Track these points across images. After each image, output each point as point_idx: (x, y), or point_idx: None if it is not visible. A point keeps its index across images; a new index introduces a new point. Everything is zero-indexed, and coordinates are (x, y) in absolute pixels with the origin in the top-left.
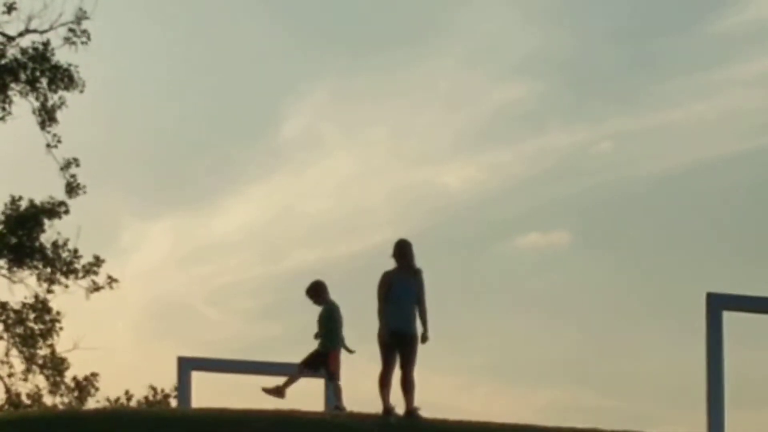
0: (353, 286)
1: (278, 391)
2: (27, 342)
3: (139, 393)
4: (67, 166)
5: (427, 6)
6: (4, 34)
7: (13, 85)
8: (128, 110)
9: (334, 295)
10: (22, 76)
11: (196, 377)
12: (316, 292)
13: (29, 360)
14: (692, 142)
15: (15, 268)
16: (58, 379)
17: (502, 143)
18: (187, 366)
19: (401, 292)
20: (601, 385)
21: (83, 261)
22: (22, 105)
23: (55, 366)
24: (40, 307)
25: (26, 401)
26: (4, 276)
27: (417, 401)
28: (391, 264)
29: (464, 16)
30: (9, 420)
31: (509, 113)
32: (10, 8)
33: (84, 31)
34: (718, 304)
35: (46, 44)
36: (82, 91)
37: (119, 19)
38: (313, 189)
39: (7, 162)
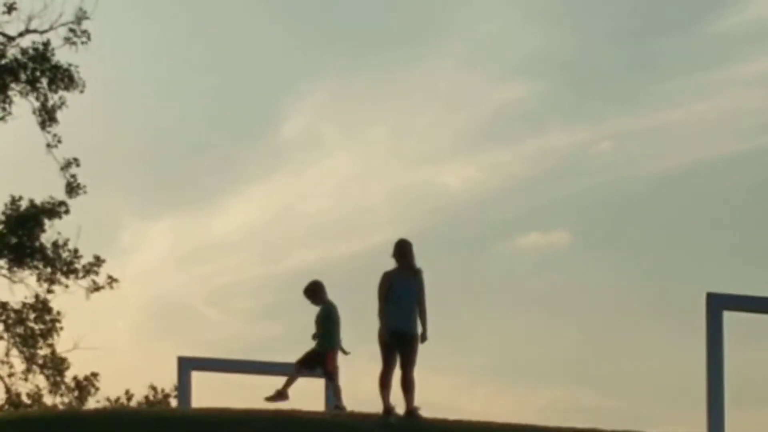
0: (353, 286)
1: (280, 395)
2: (27, 342)
3: (140, 393)
4: (67, 166)
5: (427, 6)
6: (4, 34)
7: (13, 85)
8: (128, 110)
9: (334, 295)
10: (23, 76)
11: (196, 377)
12: (314, 292)
13: (29, 360)
14: (692, 142)
15: (15, 268)
16: (58, 379)
17: (502, 143)
18: (187, 366)
19: (401, 292)
20: (601, 385)
21: (83, 261)
22: (23, 105)
23: (56, 366)
24: (41, 307)
25: (26, 401)
26: (4, 276)
27: (417, 401)
28: (391, 264)
29: (464, 16)
30: (9, 420)
31: (509, 113)
32: (10, 8)
33: (84, 31)
34: (718, 304)
35: (46, 44)
36: (82, 92)
37: (119, 19)
38: (313, 189)
39: (7, 162)
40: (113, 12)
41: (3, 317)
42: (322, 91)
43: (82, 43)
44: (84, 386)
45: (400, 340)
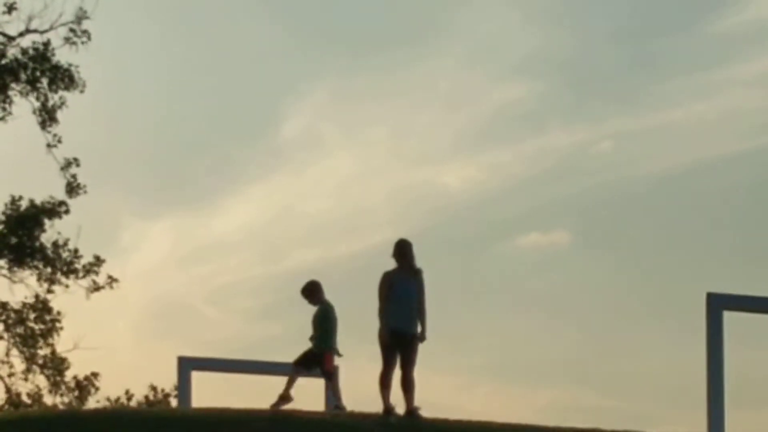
0: (353, 286)
1: (284, 399)
2: (27, 342)
3: (140, 393)
4: (67, 165)
5: (427, 6)
6: (4, 34)
7: (13, 85)
8: (128, 110)
9: (334, 295)
10: (23, 76)
11: (197, 377)
12: (312, 292)
13: (29, 360)
14: (692, 142)
15: (15, 268)
16: (58, 378)
17: (502, 143)
18: (187, 366)
19: (402, 292)
20: (602, 385)
21: (83, 261)
22: (23, 105)
23: (56, 366)
24: (41, 307)
25: (26, 401)
26: (4, 276)
27: (417, 401)
28: (391, 264)
29: (464, 16)
30: (9, 420)
31: (509, 113)
32: (10, 8)
33: (84, 31)
34: (718, 304)
35: (46, 44)
36: (82, 92)
37: (120, 19)
38: (313, 189)
39: (7, 162)
40: (113, 12)
41: (3, 317)
42: (322, 91)
43: (83, 43)
44: (84, 386)
45: (400, 340)
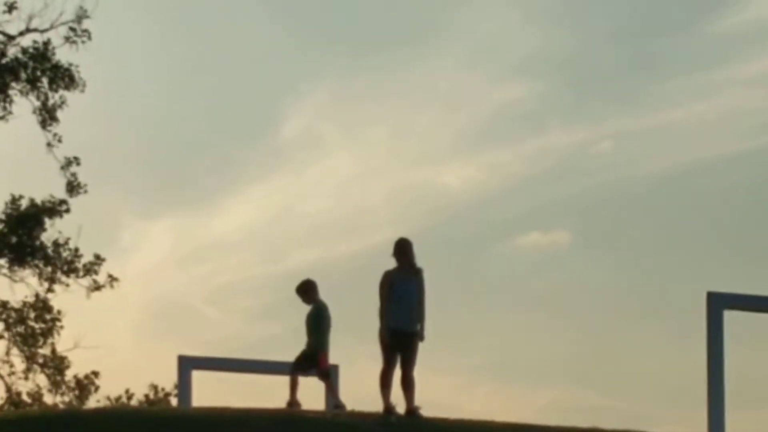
0: (353, 286)
1: (291, 405)
2: (28, 341)
3: (140, 392)
4: (67, 165)
5: (427, 6)
6: (4, 34)
7: (13, 84)
8: (129, 110)
9: (334, 294)
10: (23, 76)
11: (197, 376)
12: (306, 291)
13: (30, 359)
14: (692, 142)
15: (16, 267)
16: (58, 378)
17: (502, 143)
18: (187, 365)
19: (402, 292)
20: (602, 385)
21: (84, 260)
22: (23, 104)
23: (56, 365)
24: (41, 306)
25: (27, 400)
26: (4, 275)
27: (417, 400)
28: (391, 264)
29: (464, 16)
30: (9, 419)
31: (509, 113)
32: (10, 7)
33: (85, 31)
34: (718, 303)
35: (46, 43)
36: (82, 91)
37: (120, 19)
38: (313, 189)
39: (7, 161)
40: (114, 11)
41: (3, 316)
42: (322, 91)
43: (83, 42)
44: (84, 385)
45: (400, 340)
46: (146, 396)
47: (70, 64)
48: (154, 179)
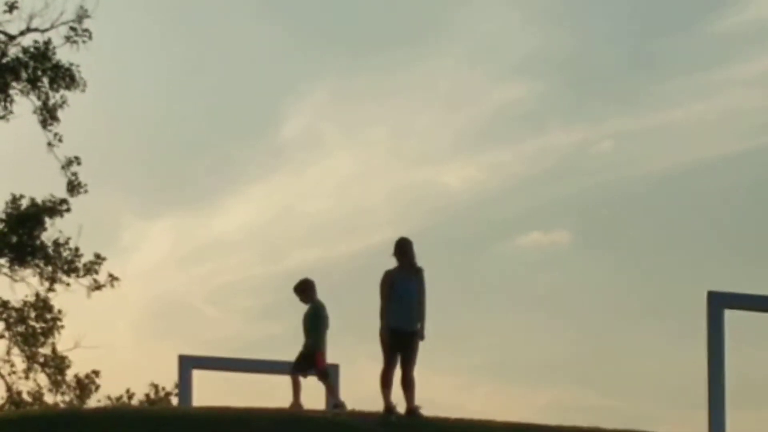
0: (353, 286)
1: (294, 407)
2: (28, 340)
3: (141, 391)
4: (68, 164)
5: (427, 6)
6: (5, 33)
7: (14, 83)
8: (129, 109)
9: (334, 294)
10: (24, 75)
11: (197, 375)
12: (304, 290)
13: (30, 358)
14: (692, 142)
15: (16, 267)
16: (59, 377)
17: (502, 143)
18: (188, 364)
19: (403, 291)
20: (602, 384)
21: (84, 259)
22: (24, 104)
23: (57, 364)
24: (42, 306)
25: (27, 400)
26: (5, 275)
27: (418, 400)
28: (391, 264)
29: (464, 16)
30: (10, 419)
31: (509, 113)
32: (11, 7)
33: (85, 30)
34: (719, 303)
35: (47, 43)
36: (83, 91)
37: (120, 19)
38: (313, 189)
39: (8, 161)
40: (114, 11)
41: (4, 316)
42: (322, 91)
43: (83, 42)
44: (85, 385)
45: (400, 339)
46: (147, 395)
47: (71, 64)
48: (154, 179)
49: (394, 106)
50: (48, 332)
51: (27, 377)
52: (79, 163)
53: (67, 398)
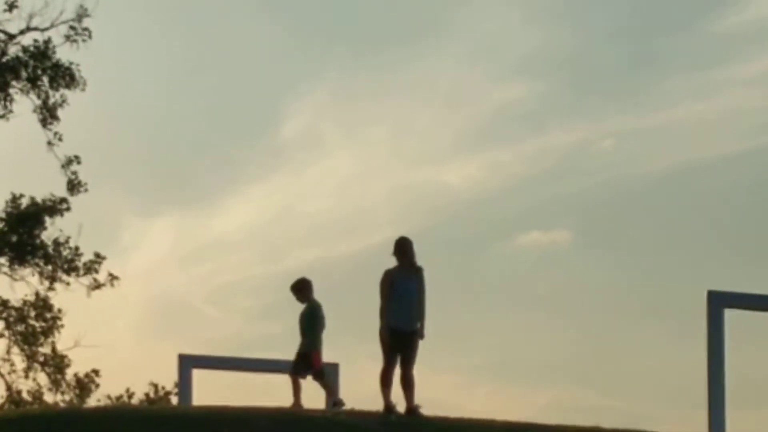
0: (353, 286)
1: (295, 407)
2: (28, 340)
3: (140, 391)
4: (68, 163)
5: (427, 5)
6: (5, 32)
7: (14, 83)
8: (129, 109)
9: (334, 294)
10: (24, 74)
11: (197, 375)
12: (301, 289)
13: (30, 358)
14: (693, 141)
15: (16, 266)
16: (59, 376)
17: (502, 142)
18: (188, 363)
19: (403, 291)
20: (602, 384)
21: (84, 259)
22: (24, 103)
23: (56, 364)
24: (41, 305)
25: (27, 399)
26: (5, 274)
27: (418, 399)
28: (391, 263)
29: (464, 15)
30: (10, 418)
31: (509, 112)
32: (11, 6)
33: (85, 29)
34: (719, 302)
35: (47, 42)
36: (83, 90)
37: (120, 18)
38: (313, 188)
39: (8, 160)
40: (114, 10)
41: (4, 315)
42: (322, 91)
43: (83, 41)
44: (85, 384)
45: (400, 339)
46: (147, 395)
47: (71, 63)
48: (154, 178)
49: (394, 105)
50: (48, 331)
51: (27, 376)
52: (79, 163)
53: (66, 397)
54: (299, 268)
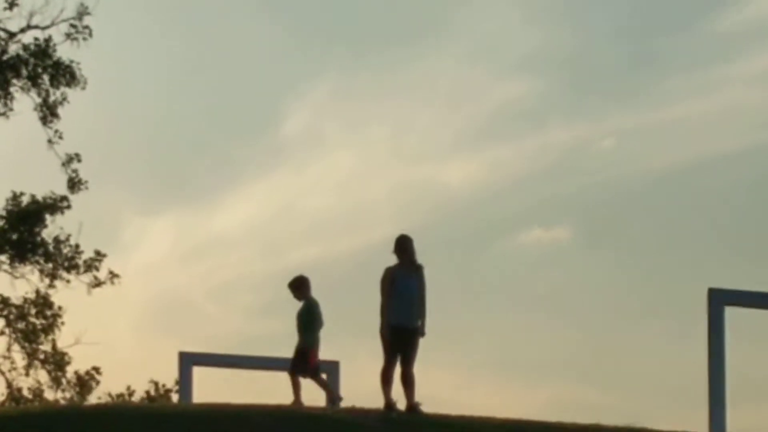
0: (353, 284)
1: (295, 405)
2: (29, 337)
3: (141, 388)
4: (68, 161)
5: (427, 5)
6: (5, 30)
7: (14, 81)
8: (130, 107)
9: (334, 291)
10: (24, 72)
11: (198, 372)
12: (298, 287)
13: (31, 355)
14: (693, 140)
15: (17, 264)
16: (59, 374)
17: (503, 141)
18: (188, 361)
19: (403, 288)
20: (602, 382)
21: (85, 256)
22: (24, 101)
23: (57, 361)
24: (42, 303)
25: (28, 396)
26: (6, 271)
27: (418, 397)
28: (391, 261)
29: (465, 14)
30: (10, 415)
31: (510, 111)
32: (11, 4)
33: (86, 28)
34: (719, 300)
35: (47, 40)
36: (83, 88)
37: (121, 16)
38: (314, 186)
39: (8, 158)
40: (114, 9)
41: (4, 313)
42: (322, 89)
43: (84, 39)
44: (85, 381)
45: (401, 336)
46: (147, 392)
47: (71, 61)
48: (154, 176)
49: (395, 104)
50: (48, 329)
51: (27, 374)
52: (79, 160)
53: (67, 395)
54: (299, 266)
